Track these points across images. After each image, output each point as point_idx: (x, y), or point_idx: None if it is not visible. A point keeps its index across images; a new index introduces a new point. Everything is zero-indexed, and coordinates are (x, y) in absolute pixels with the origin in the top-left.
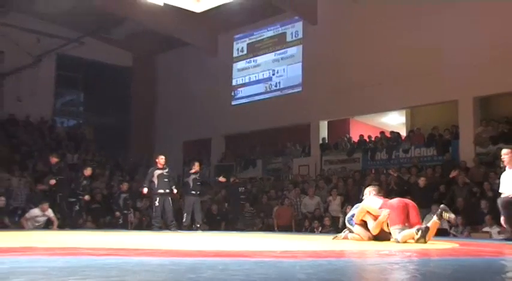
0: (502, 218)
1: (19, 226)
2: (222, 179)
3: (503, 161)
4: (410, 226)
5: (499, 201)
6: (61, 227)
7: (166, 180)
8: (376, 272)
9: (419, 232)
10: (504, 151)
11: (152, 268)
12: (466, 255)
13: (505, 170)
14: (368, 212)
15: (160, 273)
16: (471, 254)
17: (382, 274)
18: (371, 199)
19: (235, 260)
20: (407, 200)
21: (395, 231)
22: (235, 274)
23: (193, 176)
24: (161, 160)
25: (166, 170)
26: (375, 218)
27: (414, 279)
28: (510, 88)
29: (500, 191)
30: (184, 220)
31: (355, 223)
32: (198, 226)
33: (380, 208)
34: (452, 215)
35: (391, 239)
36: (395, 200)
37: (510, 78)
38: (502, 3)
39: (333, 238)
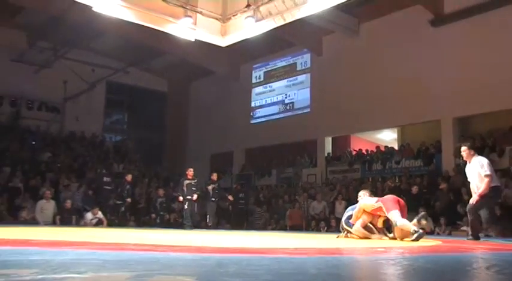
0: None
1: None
2: (230, 197)
3: (462, 157)
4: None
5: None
6: (110, 225)
7: (194, 189)
8: (375, 267)
9: (416, 235)
10: (462, 148)
11: (187, 263)
12: (449, 251)
13: (465, 164)
14: (364, 210)
15: (193, 267)
16: (453, 250)
17: (381, 269)
18: (366, 199)
19: (255, 256)
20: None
21: (394, 214)
22: (256, 269)
23: (212, 185)
24: (190, 172)
25: (195, 180)
26: (371, 215)
27: (408, 273)
28: (482, 110)
29: (469, 180)
30: (208, 220)
31: (352, 223)
32: (210, 225)
33: (376, 201)
34: (429, 223)
35: (384, 237)
36: (389, 195)
37: (482, 102)
38: (474, 43)
39: (337, 237)
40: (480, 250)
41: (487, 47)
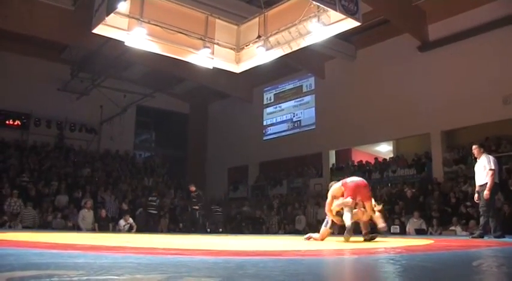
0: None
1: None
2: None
3: (473, 154)
4: (361, 201)
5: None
6: (140, 231)
7: (194, 200)
8: (377, 266)
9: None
10: (473, 147)
11: (210, 265)
12: (442, 249)
13: (476, 162)
14: (334, 196)
15: (217, 270)
16: (445, 248)
17: (382, 268)
18: (334, 185)
19: (271, 258)
20: (361, 181)
21: (344, 202)
22: (272, 270)
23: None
24: (191, 188)
25: (197, 193)
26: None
27: (406, 270)
28: (465, 124)
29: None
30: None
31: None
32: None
33: (341, 185)
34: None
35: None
36: (354, 182)
37: (465, 117)
38: (456, 65)
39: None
40: (471, 248)
41: (468, 68)
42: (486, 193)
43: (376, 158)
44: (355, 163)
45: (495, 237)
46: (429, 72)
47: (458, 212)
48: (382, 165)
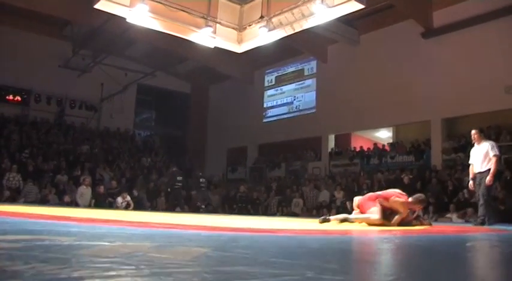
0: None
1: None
2: None
3: (474, 139)
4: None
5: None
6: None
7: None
8: (372, 244)
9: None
10: (472, 132)
11: (203, 238)
12: (436, 233)
13: (473, 146)
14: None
15: (209, 241)
16: (440, 232)
17: (377, 245)
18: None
19: (264, 234)
20: (365, 196)
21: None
22: (264, 243)
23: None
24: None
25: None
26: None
27: (400, 248)
28: (466, 112)
29: (470, 162)
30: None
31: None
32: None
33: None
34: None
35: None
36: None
37: (466, 105)
38: (459, 53)
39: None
40: (464, 232)
41: (471, 56)
42: (489, 179)
43: (375, 144)
44: (354, 148)
45: (489, 224)
46: (432, 59)
47: (455, 200)
48: (381, 150)
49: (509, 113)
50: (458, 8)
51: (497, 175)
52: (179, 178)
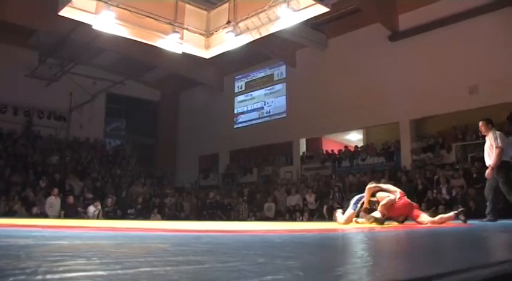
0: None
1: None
2: None
3: (481, 131)
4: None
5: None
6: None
7: None
8: (334, 238)
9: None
10: (480, 123)
11: (166, 237)
12: (400, 229)
13: (485, 140)
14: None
15: (171, 240)
16: (407, 228)
17: (339, 240)
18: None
19: (229, 234)
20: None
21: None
22: (226, 240)
23: None
24: None
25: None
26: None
27: (346, 242)
28: (433, 113)
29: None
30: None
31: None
32: None
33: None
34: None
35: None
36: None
37: (433, 106)
38: (425, 55)
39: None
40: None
41: (436, 58)
42: (488, 171)
43: (346, 147)
44: (325, 152)
45: (488, 220)
46: (399, 61)
47: (425, 199)
48: (351, 153)
49: (474, 113)
50: (422, 11)
51: (506, 167)
52: None
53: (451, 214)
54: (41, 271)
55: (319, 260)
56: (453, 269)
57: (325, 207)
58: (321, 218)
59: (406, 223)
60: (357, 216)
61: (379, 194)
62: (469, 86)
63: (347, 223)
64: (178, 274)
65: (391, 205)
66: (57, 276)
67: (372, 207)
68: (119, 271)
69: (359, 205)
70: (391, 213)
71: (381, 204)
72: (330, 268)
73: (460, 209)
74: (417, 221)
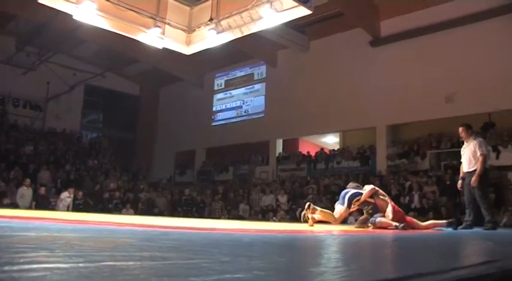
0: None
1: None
2: None
3: (461, 137)
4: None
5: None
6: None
7: None
8: (302, 240)
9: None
10: (460, 129)
11: (135, 232)
12: (371, 233)
13: (459, 149)
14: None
15: (140, 235)
16: (378, 232)
17: (305, 242)
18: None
19: (197, 232)
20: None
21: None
22: (193, 237)
23: None
24: None
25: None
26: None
27: (325, 243)
28: (410, 120)
29: (461, 161)
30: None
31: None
32: None
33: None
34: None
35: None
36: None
37: (410, 113)
38: (404, 62)
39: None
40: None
41: (414, 66)
42: (474, 179)
43: (322, 149)
44: (302, 153)
45: (486, 229)
46: (378, 67)
47: (398, 204)
48: (327, 156)
49: (450, 121)
50: (404, 19)
51: (485, 174)
52: None
53: (444, 221)
54: (1, 262)
55: (284, 261)
56: (420, 272)
57: (298, 210)
58: (294, 219)
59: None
60: None
61: (379, 199)
62: (445, 95)
63: (341, 221)
64: (140, 269)
65: (397, 210)
66: (15, 267)
67: (365, 208)
68: (81, 265)
69: (347, 201)
70: (394, 218)
71: (388, 211)
72: (293, 269)
73: (451, 220)
74: (412, 226)
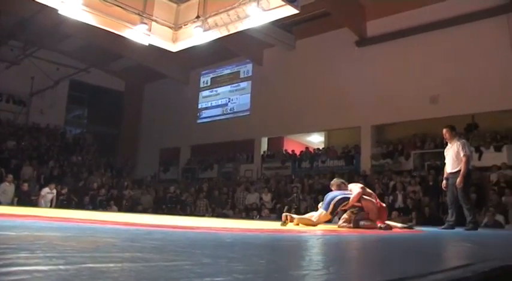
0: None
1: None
2: None
3: (445, 138)
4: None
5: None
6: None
7: None
8: (285, 240)
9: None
10: (444, 130)
11: (119, 231)
12: (353, 233)
13: (443, 149)
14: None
15: (123, 234)
16: (360, 232)
17: (286, 241)
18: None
19: (182, 230)
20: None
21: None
22: (177, 237)
23: None
24: None
25: None
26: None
27: (297, 246)
28: (394, 120)
29: (445, 162)
30: None
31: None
32: None
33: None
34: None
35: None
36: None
37: (395, 113)
38: (390, 62)
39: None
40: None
41: (399, 67)
42: (459, 180)
43: (307, 148)
44: (286, 152)
45: (467, 230)
46: (364, 67)
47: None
48: (312, 155)
49: (434, 122)
50: (390, 20)
51: (468, 175)
52: None
53: (400, 225)
54: None
55: (264, 263)
56: (396, 277)
57: (285, 209)
58: (279, 218)
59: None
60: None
61: (365, 200)
62: (430, 96)
63: (319, 224)
64: (120, 272)
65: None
66: None
67: (350, 209)
68: (61, 267)
69: (332, 207)
70: (378, 218)
71: (372, 211)
72: (272, 272)
73: (410, 224)
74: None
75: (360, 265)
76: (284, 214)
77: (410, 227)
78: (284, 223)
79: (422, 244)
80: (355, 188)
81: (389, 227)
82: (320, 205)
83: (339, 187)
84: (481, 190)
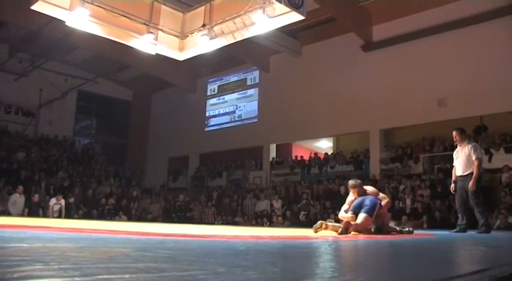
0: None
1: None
2: None
3: (455, 140)
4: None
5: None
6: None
7: None
8: (297, 247)
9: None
10: (453, 133)
11: (131, 241)
12: (361, 238)
13: (456, 147)
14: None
15: (135, 244)
16: (367, 238)
17: (299, 249)
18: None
19: (194, 239)
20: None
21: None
22: (189, 247)
23: None
24: None
25: None
26: None
27: (310, 252)
28: (403, 124)
29: (453, 165)
30: None
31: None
32: None
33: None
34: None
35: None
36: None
37: (403, 117)
38: (397, 66)
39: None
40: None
41: (407, 70)
42: (471, 183)
43: (315, 154)
44: (296, 158)
45: (480, 233)
46: (371, 71)
47: (392, 208)
48: (321, 160)
49: (442, 125)
50: (396, 24)
51: (479, 178)
52: None
53: (398, 228)
54: None
55: (278, 271)
56: None
57: (301, 213)
58: (292, 224)
59: None
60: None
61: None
62: (438, 99)
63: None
64: None
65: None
66: None
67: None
68: (77, 279)
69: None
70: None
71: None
72: (287, 280)
73: (406, 229)
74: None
75: (376, 272)
76: (319, 222)
77: (409, 232)
78: (318, 229)
79: (437, 249)
80: (381, 195)
81: (411, 232)
82: (344, 208)
83: (372, 193)
84: (492, 192)
